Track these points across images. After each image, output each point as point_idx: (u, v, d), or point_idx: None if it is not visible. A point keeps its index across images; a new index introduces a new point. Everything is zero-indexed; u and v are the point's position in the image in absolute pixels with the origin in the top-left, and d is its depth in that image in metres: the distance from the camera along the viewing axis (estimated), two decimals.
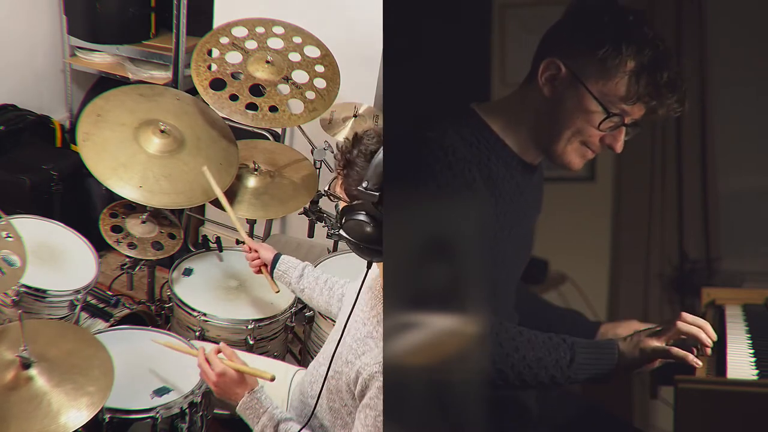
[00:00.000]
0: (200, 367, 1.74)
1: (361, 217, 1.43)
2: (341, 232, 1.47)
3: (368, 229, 1.43)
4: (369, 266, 1.52)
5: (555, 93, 1.48)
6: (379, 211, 1.42)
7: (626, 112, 1.46)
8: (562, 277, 2.41)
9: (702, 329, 1.49)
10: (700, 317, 1.93)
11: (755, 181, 2.27)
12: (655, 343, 1.46)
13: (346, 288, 1.94)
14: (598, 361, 1.47)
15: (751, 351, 1.58)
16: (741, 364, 1.50)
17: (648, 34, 1.44)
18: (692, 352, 1.45)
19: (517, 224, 1.62)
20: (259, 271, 2.13)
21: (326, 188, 1.59)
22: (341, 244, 2.70)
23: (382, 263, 1.52)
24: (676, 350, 1.45)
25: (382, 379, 1.47)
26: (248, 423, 1.70)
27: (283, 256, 2.11)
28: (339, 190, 1.54)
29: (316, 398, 1.68)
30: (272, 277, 2.10)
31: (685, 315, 1.51)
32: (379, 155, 1.43)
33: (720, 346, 1.55)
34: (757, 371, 1.46)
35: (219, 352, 1.75)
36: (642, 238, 2.41)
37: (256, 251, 2.13)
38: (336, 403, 1.62)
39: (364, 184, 1.42)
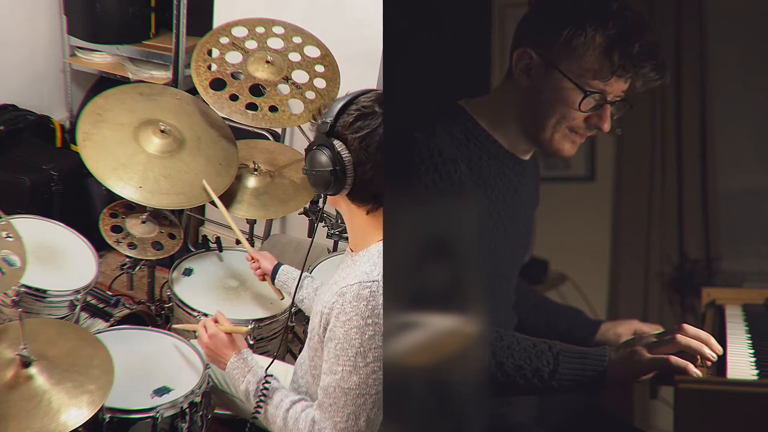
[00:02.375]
0: (197, 331, 1.86)
1: (317, 149, 1.52)
2: (304, 170, 1.57)
3: (323, 154, 1.50)
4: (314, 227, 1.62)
5: (532, 82, 1.49)
6: (331, 140, 1.50)
7: (605, 90, 1.45)
8: (562, 276, 2.41)
9: (705, 343, 1.39)
10: (701, 317, 1.94)
11: (755, 181, 2.27)
12: (652, 355, 1.38)
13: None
14: (585, 370, 1.40)
15: (751, 351, 1.58)
16: (741, 364, 1.50)
17: (611, 8, 1.43)
18: (694, 362, 1.37)
19: (513, 222, 1.61)
20: (264, 279, 2.17)
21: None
22: (341, 244, 2.70)
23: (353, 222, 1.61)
24: (675, 359, 1.36)
25: (339, 305, 1.49)
26: (233, 385, 1.77)
27: (282, 266, 2.12)
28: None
29: (305, 378, 1.71)
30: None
31: (687, 327, 1.41)
32: (341, 99, 1.52)
33: (720, 346, 1.54)
34: (757, 371, 1.46)
35: (216, 321, 1.86)
36: (642, 238, 2.41)
37: (257, 261, 2.15)
38: (317, 369, 1.61)
39: (321, 118, 1.52)
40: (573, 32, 1.41)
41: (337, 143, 1.49)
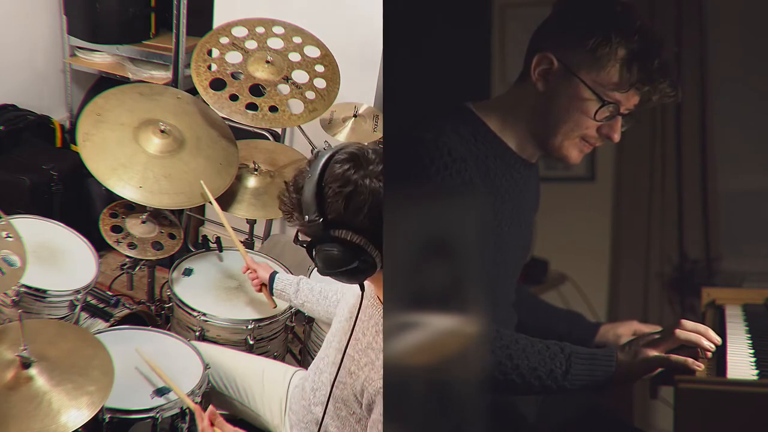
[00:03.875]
0: None
1: (326, 246, 1.38)
2: (320, 272, 1.42)
3: (335, 253, 1.38)
4: (362, 287, 1.49)
5: (549, 87, 1.50)
6: (333, 234, 1.36)
7: (620, 101, 1.47)
8: (562, 276, 2.41)
9: (703, 335, 1.45)
10: (700, 317, 1.94)
11: (755, 181, 2.27)
12: (654, 353, 1.43)
13: (340, 294, 1.94)
14: (595, 371, 1.44)
15: (751, 351, 1.58)
16: (741, 364, 1.50)
17: (636, 22, 1.46)
18: (695, 356, 1.42)
19: (516, 222, 1.62)
20: (261, 290, 2.17)
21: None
22: None
23: (376, 274, 1.46)
24: (675, 357, 1.41)
25: None
26: None
27: (278, 275, 2.13)
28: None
29: (321, 407, 1.67)
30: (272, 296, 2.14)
31: (685, 322, 1.47)
32: (307, 185, 1.37)
33: (720, 346, 1.54)
34: (757, 371, 1.46)
35: (212, 424, 1.66)
36: (642, 238, 2.42)
37: (255, 271, 2.15)
38: (343, 411, 1.61)
39: (306, 217, 1.38)
40: (599, 42, 1.44)
41: (342, 232, 1.36)
